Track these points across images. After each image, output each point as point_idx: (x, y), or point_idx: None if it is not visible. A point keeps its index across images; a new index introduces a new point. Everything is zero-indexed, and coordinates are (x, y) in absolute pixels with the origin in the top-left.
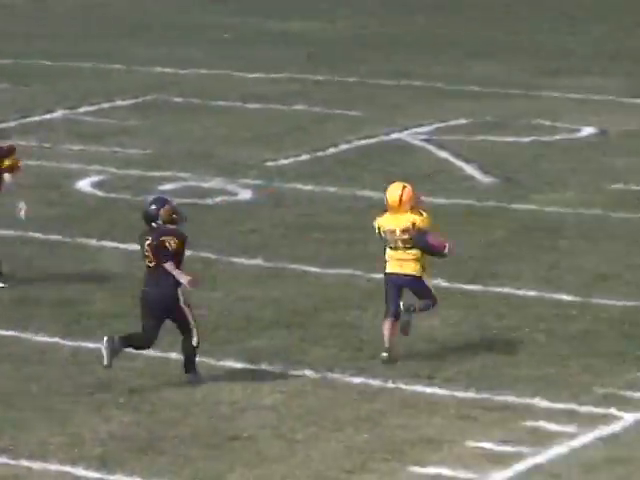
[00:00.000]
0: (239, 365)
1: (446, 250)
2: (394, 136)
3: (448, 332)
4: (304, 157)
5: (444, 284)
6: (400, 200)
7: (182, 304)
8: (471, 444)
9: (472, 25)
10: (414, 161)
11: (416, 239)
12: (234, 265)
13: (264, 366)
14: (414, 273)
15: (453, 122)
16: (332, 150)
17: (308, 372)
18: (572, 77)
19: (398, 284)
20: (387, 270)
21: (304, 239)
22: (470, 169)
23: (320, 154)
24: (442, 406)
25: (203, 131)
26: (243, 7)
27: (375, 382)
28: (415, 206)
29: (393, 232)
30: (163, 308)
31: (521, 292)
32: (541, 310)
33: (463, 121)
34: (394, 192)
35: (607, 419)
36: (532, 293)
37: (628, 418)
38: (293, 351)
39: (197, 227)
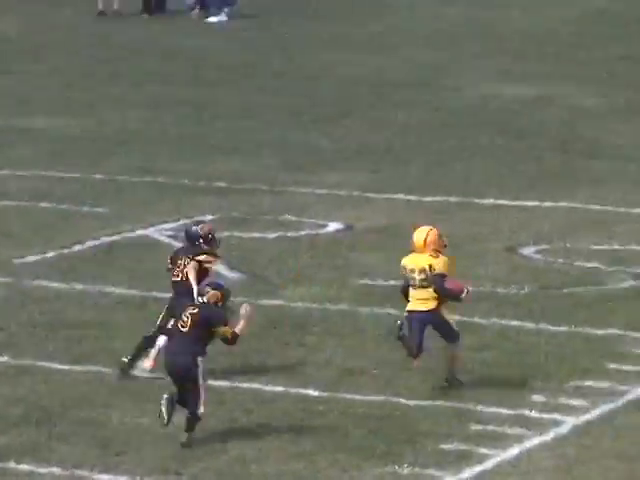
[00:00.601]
0: None
1: (463, 295)
2: (140, 232)
3: (197, 427)
4: (51, 254)
5: None
6: (424, 242)
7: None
8: None
9: (217, 121)
10: (160, 256)
11: (434, 281)
12: None
13: (12, 464)
14: (433, 308)
15: (199, 218)
16: (78, 247)
17: (56, 469)
18: (317, 173)
19: (419, 321)
20: (408, 308)
21: (51, 336)
22: (217, 265)
23: (66, 251)
24: None
25: None
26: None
27: (122, 478)
28: (438, 249)
29: (412, 271)
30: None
31: (268, 387)
32: (288, 405)
33: (209, 217)
34: (420, 234)
35: None
36: (279, 388)
37: None
38: (41, 448)
39: None
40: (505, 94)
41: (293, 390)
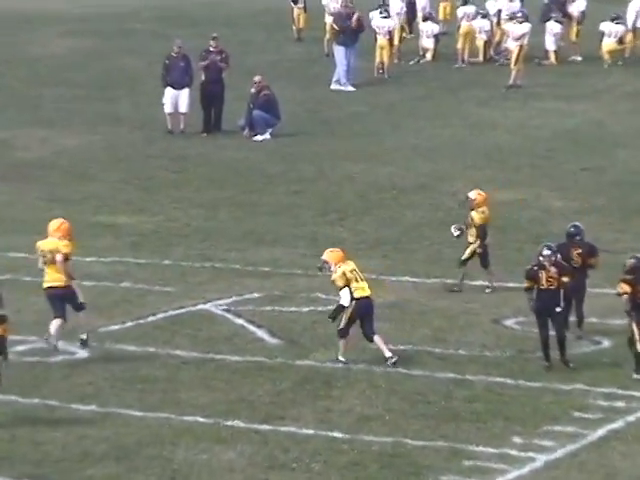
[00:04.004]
0: None
1: None
2: (200, 307)
3: (244, 463)
4: (129, 324)
5: (241, 424)
6: None
7: None
8: None
9: (261, 218)
10: (215, 326)
11: None
12: (73, 410)
13: None
14: None
15: (247, 295)
16: (151, 318)
17: None
18: None
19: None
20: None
21: (129, 389)
22: (261, 333)
23: (142, 321)
24: None
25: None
26: (75, 202)
27: None
28: None
29: None
30: None
31: (302, 431)
32: (318, 445)
33: (255, 295)
34: None
35: None
36: (311, 431)
37: None
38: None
39: (43, 380)
40: (491, 197)
41: (322, 432)
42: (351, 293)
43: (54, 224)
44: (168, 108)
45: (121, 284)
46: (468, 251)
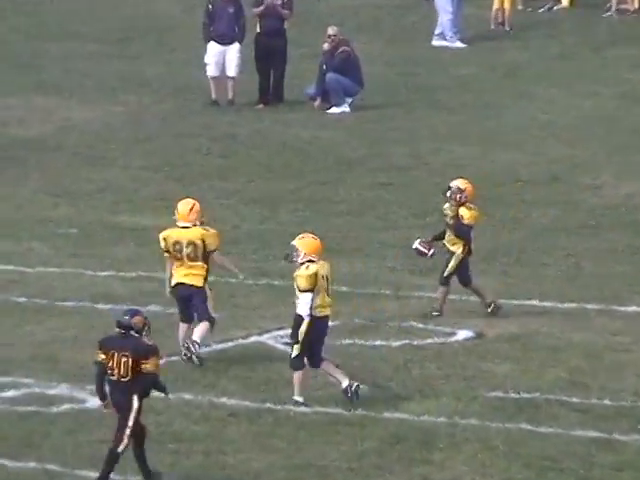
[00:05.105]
0: None
1: None
2: (254, 339)
3: None
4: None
5: None
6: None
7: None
8: None
9: (335, 219)
10: (275, 365)
11: None
12: (81, 479)
13: None
14: None
15: None
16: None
17: None
18: None
19: None
20: None
21: (157, 450)
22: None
23: (174, 358)
24: None
25: (48, 333)
26: (87, 196)
27: None
28: None
29: None
30: None
31: None
32: None
33: (329, 323)
34: None
35: None
36: None
37: None
38: None
39: (42, 437)
40: None
41: None
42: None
43: (185, 206)
44: (212, 70)
45: (147, 307)
46: (453, 263)
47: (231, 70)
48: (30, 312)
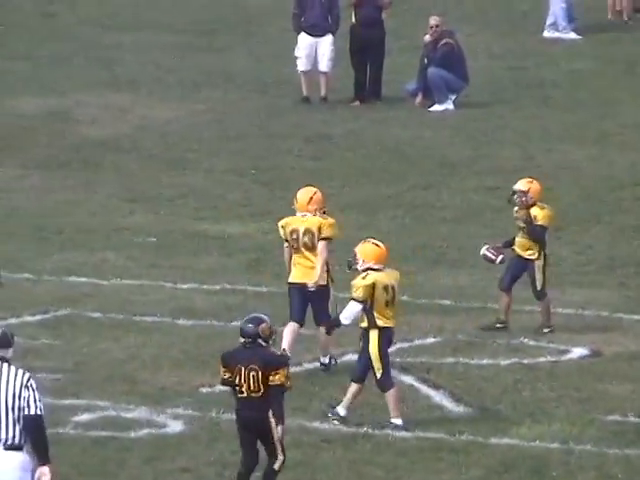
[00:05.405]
0: None
1: None
2: (349, 357)
3: None
4: None
5: None
6: None
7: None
8: None
9: (439, 227)
10: (374, 387)
11: None
12: None
13: None
14: None
15: (419, 341)
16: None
17: None
18: (558, 289)
19: None
20: None
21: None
22: (439, 397)
23: None
24: None
25: (125, 351)
26: (166, 201)
27: None
28: None
29: None
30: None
31: None
32: None
33: (431, 340)
34: None
35: None
36: None
37: None
38: None
39: (118, 465)
40: None
41: None
42: (373, 318)
43: (304, 195)
44: (303, 64)
45: (233, 323)
46: (539, 275)
47: (323, 64)
48: (105, 328)
